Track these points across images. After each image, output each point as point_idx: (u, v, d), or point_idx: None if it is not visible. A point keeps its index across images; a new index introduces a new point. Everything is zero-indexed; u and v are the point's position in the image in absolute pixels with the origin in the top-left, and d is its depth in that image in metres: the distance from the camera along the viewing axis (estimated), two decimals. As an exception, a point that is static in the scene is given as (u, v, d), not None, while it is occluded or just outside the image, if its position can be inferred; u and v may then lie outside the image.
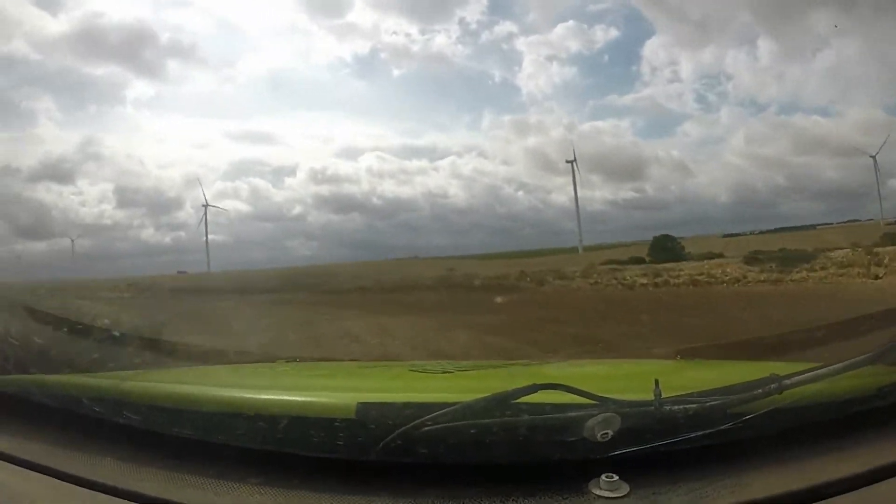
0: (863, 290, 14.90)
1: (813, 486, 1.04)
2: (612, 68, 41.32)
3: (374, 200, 38.57)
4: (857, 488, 1.04)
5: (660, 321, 10.87)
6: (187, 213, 35.98)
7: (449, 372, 1.86)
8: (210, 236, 33.54)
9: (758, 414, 1.11)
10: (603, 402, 1.09)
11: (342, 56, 47.89)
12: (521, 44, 43.96)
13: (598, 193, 40.12)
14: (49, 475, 1.20)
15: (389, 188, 38.42)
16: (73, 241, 34.32)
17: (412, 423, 1.08)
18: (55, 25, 42.58)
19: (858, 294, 14.00)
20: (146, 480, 1.16)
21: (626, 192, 39.42)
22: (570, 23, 41.23)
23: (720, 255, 22.34)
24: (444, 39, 42.02)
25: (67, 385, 1.51)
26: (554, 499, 1.04)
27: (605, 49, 39.14)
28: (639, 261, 23.80)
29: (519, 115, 40.66)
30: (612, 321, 11.50)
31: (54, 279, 29.03)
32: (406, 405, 1.13)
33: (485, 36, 43.69)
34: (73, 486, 1.17)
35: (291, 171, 47.51)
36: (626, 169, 39.94)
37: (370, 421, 1.11)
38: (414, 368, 2.05)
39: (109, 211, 38.76)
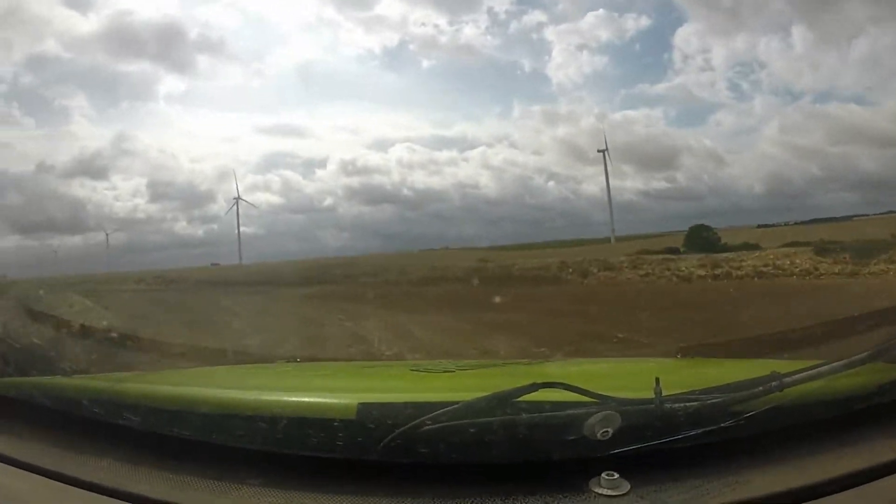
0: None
1: (814, 483, 1.04)
2: (644, 57, 40.81)
3: (405, 191, 38.86)
4: (857, 485, 1.04)
5: (749, 322, 8.34)
6: (220, 206, 36.64)
7: (450, 371, 1.86)
8: (242, 228, 34.09)
9: (758, 412, 1.11)
10: (603, 401, 1.09)
11: (371, 48, 47.52)
12: (550, 33, 44.52)
13: (630, 183, 40.01)
14: (48, 477, 1.20)
15: (420, 179, 38.68)
16: (107, 234, 35.26)
17: (413, 423, 1.08)
18: (85, 24, 44.02)
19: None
20: (145, 482, 1.16)
21: (658, 182, 39.27)
22: (601, 11, 41.33)
23: (757, 246, 21.21)
24: (472, 30, 41.91)
25: (66, 387, 1.51)
26: (555, 497, 1.04)
27: (636, 37, 38.80)
28: (674, 251, 22.95)
29: (549, 105, 40.80)
30: (693, 326, 8.52)
31: (89, 272, 30.29)
32: (407, 405, 1.13)
33: (513, 26, 43.84)
34: (73, 487, 1.17)
35: (322, 163, 47.10)
36: (657, 159, 39.70)
37: (371, 421, 1.11)
38: (415, 368, 2.05)
39: (143, 205, 39.58)
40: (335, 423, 1.15)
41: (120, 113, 45.16)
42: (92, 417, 1.32)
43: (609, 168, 29.70)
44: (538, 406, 1.10)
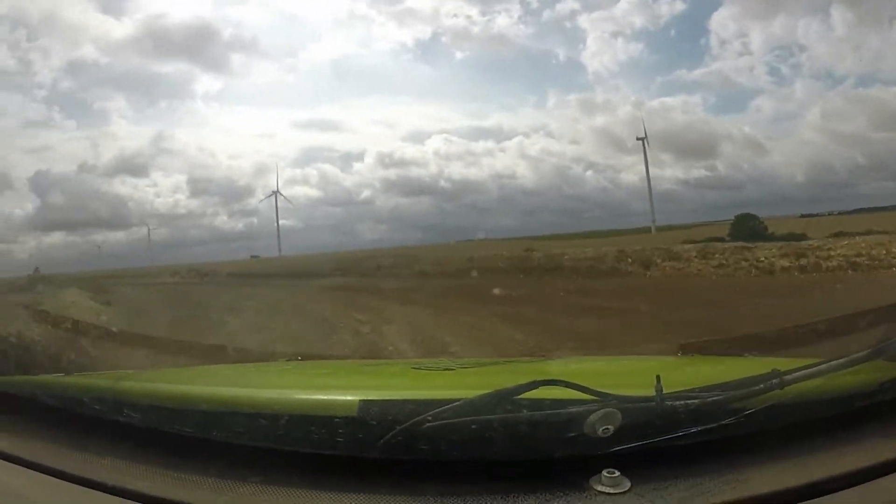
0: None
1: (814, 481, 1.04)
2: (680, 43, 40.05)
3: (442, 183, 38.97)
4: (858, 484, 1.04)
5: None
6: (258, 200, 37.19)
7: (450, 369, 1.86)
8: (282, 222, 34.73)
9: (759, 409, 1.11)
10: (604, 398, 1.09)
11: (404, 41, 48.02)
12: (584, 21, 44.08)
13: (669, 172, 39.03)
14: (50, 474, 1.21)
15: (457, 170, 38.69)
16: (149, 230, 36.68)
17: (414, 420, 1.08)
18: (120, 28, 45.49)
19: None
20: (147, 479, 1.16)
21: (697, 171, 38.67)
22: (634, -3, 40.18)
23: (804, 236, 19.45)
24: (505, 20, 41.88)
25: (68, 385, 1.51)
26: (555, 494, 1.04)
27: (672, 23, 37.91)
28: (719, 241, 20.85)
29: (585, 94, 40.88)
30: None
31: (131, 267, 32.11)
32: (408, 402, 1.13)
33: (546, 14, 43.82)
34: (74, 485, 1.17)
35: (359, 157, 48.71)
36: (696, 147, 38.82)
37: (372, 418, 1.11)
38: (416, 366, 2.05)
39: (183, 201, 41.46)
40: (336, 421, 1.15)
41: (158, 112, 46.09)
42: (93, 415, 1.32)
43: (648, 156, 28.97)
44: (539, 404, 1.10)
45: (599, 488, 1.03)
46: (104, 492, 1.14)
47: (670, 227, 28.68)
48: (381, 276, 20.31)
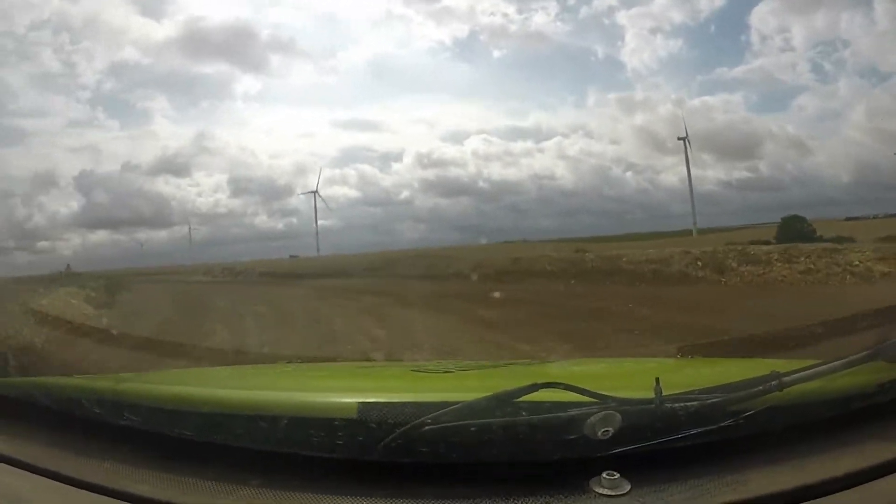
0: None
1: (814, 482, 1.04)
2: (720, 39, 39.06)
3: (481, 183, 39.01)
4: (858, 485, 1.04)
5: None
6: (298, 200, 37.95)
7: (450, 372, 1.86)
8: (321, 222, 34.83)
9: (758, 411, 1.11)
10: (604, 401, 1.09)
11: (441, 40, 47.77)
12: (622, 17, 43.90)
13: (710, 173, 38.95)
14: (49, 477, 1.20)
15: (495, 170, 38.94)
16: (190, 229, 37.49)
17: (413, 423, 1.08)
18: (161, 31, 48.82)
19: None
20: (146, 482, 1.16)
21: (738, 172, 37.59)
22: (672, -8, 38.87)
23: (851, 240, 18.48)
24: (542, 17, 41.63)
25: (67, 387, 1.51)
26: (555, 497, 1.04)
27: (711, 18, 37.57)
28: (765, 244, 19.13)
29: (625, 93, 40.19)
30: None
31: (173, 264, 33.14)
32: (407, 405, 1.13)
33: (584, 11, 43.87)
34: (73, 487, 1.17)
35: (398, 157, 49.10)
36: (738, 147, 37.16)
37: (372, 421, 1.11)
38: (415, 369, 2.05)
39: (224, 200, 42.42)
40: (336, 423, 1.15)
41: (199, 113, 47.77)
42: (92, 417, 1.32)
43: (690, 155, 27.90)
44: (539, 406, 1.10)
45: (599, 490, 1.03)
46: (103, 494, 1.14)
47: (711, 230, 27.88)
48: (419, 277, 18.78)
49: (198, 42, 49.47)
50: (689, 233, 27.57)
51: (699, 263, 14.68)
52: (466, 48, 46.37)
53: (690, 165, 28.22)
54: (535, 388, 1.11)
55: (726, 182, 36.08)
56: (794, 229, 24.04)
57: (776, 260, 13.88)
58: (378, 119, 51.55)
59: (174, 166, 45.91)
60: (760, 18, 39.21)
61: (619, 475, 1.04)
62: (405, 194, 40.39)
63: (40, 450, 1.29)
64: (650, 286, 13.52)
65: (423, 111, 51.53)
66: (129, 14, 47.87)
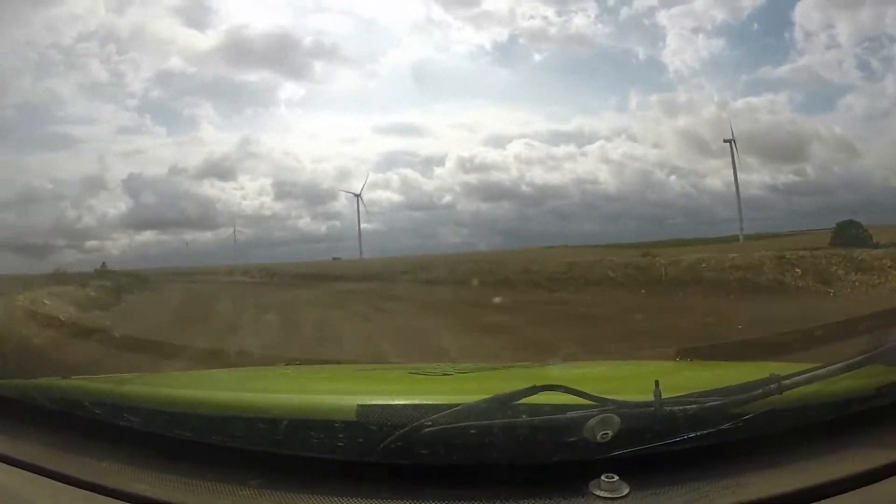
0: None
1: (813, 485, 1.04)
2: (763, 37, 38.85)
3: (523, 187, 39.22)
4: (856, 488, 1.04)
5: None
6: (342, 204, 38.99)
7: (449, 374, 1.86)
8: (364, 225, 35.59)
9: (757, 414, 1.12)
10: (603, 403, 1.10)
11: (482, 44, 48.54)
12: (662, 17, 43.29)
13: (755, 177, 38.22)
14: (50, 477, 1.20)
15: (538, 175, 38.91)
16: (234, 230, 39.15)
17: (413, 425, 1.08)
18: (205, 40, 49.96)
19: None
20: (146, 483, 1.16)
21: (785, 176, 36.57)
22: (712, -10, 38.27)
23: None
24: (582, 19, 41.56)
25: (67, 388, 1.51)
26: (554, 499, 1.04)
27: (753, 16, 36.48)
28: (814, 250, 16.44)
29: (667, 94, 39.73)
30: None
31: (218, 264, 34.35)
32: (406, 407, 1.14)
33: (624, 12, 42.95)
34: (74, 488, 1.17)
35: (440, 161, 48.64)
36: (784, 149, 35.91)
37: (371, 423, 1.11)
38: (414, 371, 2.05)
39: (269, 203, 43.88)
40: (335, 425, 1.15)
41: (244, 119, 49.23)
42: (93, 418, 1.32)
43: (736, 158, 26.81)
44: (538, 408, 1.10)
45: (598, 493, 1.03)
46: (104, 495, 1.14)
47: (759, 236, 26.93)
48: (461, 283, 16.36)
49: (241, 51, 50.16)
50: (735, 239, 26.34)
51: (797, 271, 12.35)
52: (506, 52, 46.45)
53: (737, 168, 27.14)
54: (534, 390, 1.11)
55: (772, 186, 35.21)
56: (849, 235, 22.96)
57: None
58: (420, 123, 51.87)
59: (220, 170, 48.32)
60: (804, 15, 37.20)
61: (617, 478, 1.04)
62: (447, 198, 40.70)
63: (41, 450, 1.29)
64: (743, 298, 10.94)
65: (464, 115, 51.81)
66: (174, 25, 51.24)
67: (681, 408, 1.10)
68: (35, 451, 1.28)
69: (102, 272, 26.03)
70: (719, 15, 36.59)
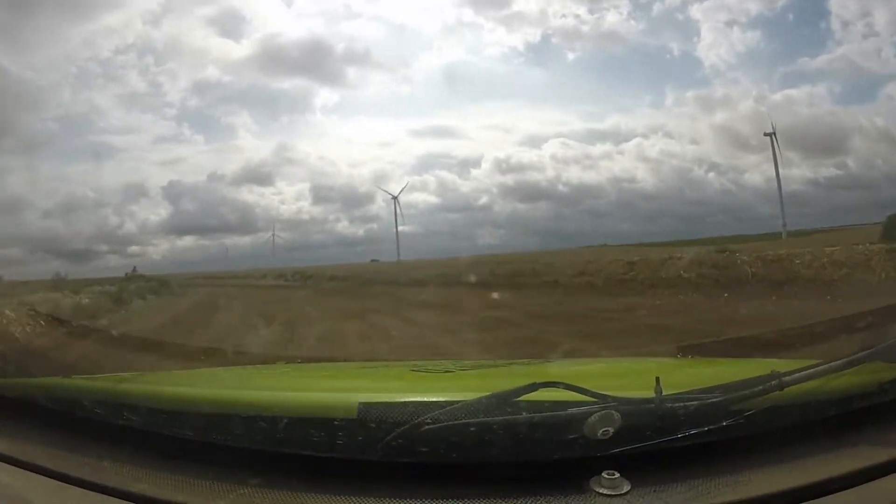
0: None
1: (814, 482, 1.04)
2: (799, 28, 37.44)
3: (560, 187, 39.48)
4: (858, 484, 1.04)
5: None
6: (379, 207, 39.48)
7: (450, 371, 1.86)
8: (401, 227, 36.15)
9: (758, 411, 1.11)
10: (603, 400, 1.09)
11: (514, 45, 48.48)
12: (696, 11, 44.05)
13: (796, 171, 37.12)
14: (50, 476, 1.20)
15: (574, 174, 39.15)
16: (273, 235, 39.66)
17: (413, 422, 1.08)
18: (239, 50, 50.48)
19: None
20: (147, 481, 1.16)
21: (826, 169, 35.67)
22: (745, -19, 37.38)
23: None
24: (614, 16, 41.98)
25: (67, 387, 1.51)
26: (555, 496, 1.04)
27: (788, 6, 36.15)
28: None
29: (703, 90, 39.25)
30: None
31: (256, 268, 35.77)
32: (407, 404, 1.13)
33: (657, 7, 43.36)
34: (74, 487, 1.17)
35: (476, 163, 49.55)
36: (824, 142, 35.44)
37: (372, 420, 1.11)
38: (415, 368, 2.05)
39: (306, 207, 44.93)
40: (336, 423, 1.15)
41: (280, 125, 50.62)
42: (93, 417, 1.32)
43: (778, 152, 26.28)
44: (538, 406, 1.10)
45: (599, 490, 1.03)
46: (103, 494, 1.14)
47: (802, 232, 25.62)
48: (505, 287, 14.39)
49: (275, 59, 52.34)
50: (777, 236, 25.64)
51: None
52: (539, 52, 46.44)
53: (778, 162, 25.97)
54: (534, 387, 1.11)
55: (813, 180, 34.45)
56: (902, 229, 21.12)
57: None
58: (455, 126, 53.04)
59: (258, 176, 50.05)
60: (839, 3, 36.64)
61: (618, 475, 1.04)
62: (484, 200, 40.99)
63: (41, 450, 1.29)
64: (855, 301, 8.15)
65: (499, 117, 51.97)
66: (209, 36, 52.49)
67: (682, 404, 1.10)
68: (35, 451, 1.28)
69: (132, 276, 27.61)
70: (753, 7, 36.08)
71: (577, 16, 44.11)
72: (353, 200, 44.66)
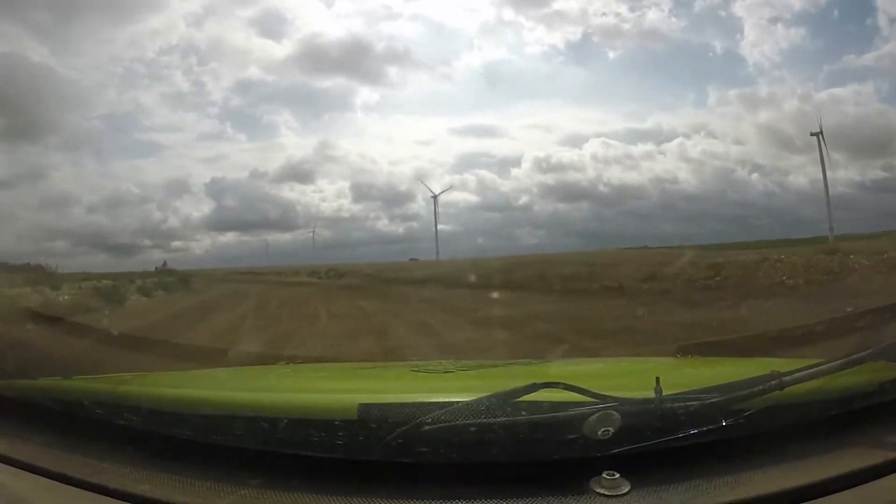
0: None
1: (814, 482, 1.04)
2: (845, 24, 37.58)
3: (601, 188, 38.85)
4: (858, 484, 1.04)
5: None
6: (419, 206, 39.32)
7: (450, 371, 1.86)
8: (441, 226, 35.59)
9: (759, 410, 1.11)
10: (603, 400, 1.09)
11: (554, 44, 47.89)
12: (738, 8, 43.28)
13: (842, 174, 36.44)
14: (50, 477, 1.20)
15: (615, 174, 38.44)
16: (313, 232, 40.24)
17: (413, 423, 1.08)
18: (281, 50, 51.08)
19: None
20: (147, 482, 1.16)
21: (874, 172, 34.17)
22: (787, -23, 36.18)
23: None
24: (655, 14, 40.37)
25: (67, 388, 1.51)
26: (555, 496, 1.04)
27: (833, 3, 34.13)
28: None
29: (747, 89, 37.97)
30: None
31: (296, 264, 36.12)
32: (407, 405, 1.13)
33: (699, 4, 42.68)
34: (74, 488, 1.17)
35: (516, 162, 49.47)
36: (872, 143, 34.07)
37: (372, 421, 1.11)
38: (415, 368, 2.05)
39: (347, 205, 45.44)
40: (336, 423, 1.15)
41: (321, 124, 49.83)
42: (93, 418, 1.32)
43: (825, 153, 24.57)
44: (538, 406, 1.10)
45: (599, 490, 1.03)
46: (103, 494, 1.14)
47: (849, 237, 24.05)
48: (558, 291, 12.50)
49: (316, 58, 52.81)
50: (824, 240, 24.09)
51: None
52: (580, 50, 46.37)
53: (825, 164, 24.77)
54: (534, 387, 1.11)
55: (860, 183, 33.02)
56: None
57: None
58: (495, 125, 52.94)
59: (299, 174, 51.43)
60: None
61: (618, 475, 1.04)
62: (524, 199, 40.86)
63: (41, 451, 1.28)
64: None
65: (539, 116, 51.66)
66: (251, 36, 52.97)
67: (682, 404, 1.10)
68: (35, 451, 1.28)
69: (162, 271, 28.76)
70: (797, 3, 35.97)
71: (617, 14, 43.82)
72: (392, 198, 44.22)
